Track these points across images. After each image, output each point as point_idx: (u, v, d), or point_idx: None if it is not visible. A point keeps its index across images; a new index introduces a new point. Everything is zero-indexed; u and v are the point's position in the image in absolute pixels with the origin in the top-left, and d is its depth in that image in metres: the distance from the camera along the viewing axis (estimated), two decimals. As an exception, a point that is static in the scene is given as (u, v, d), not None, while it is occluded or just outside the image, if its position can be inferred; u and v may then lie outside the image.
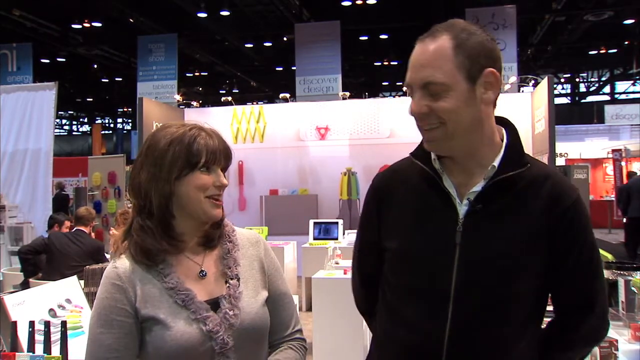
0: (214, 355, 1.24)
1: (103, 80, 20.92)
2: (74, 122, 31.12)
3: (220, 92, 21.87)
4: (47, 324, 1.82)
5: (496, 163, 1.21)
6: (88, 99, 25.23)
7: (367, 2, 12.11)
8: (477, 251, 1.19)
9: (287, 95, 10.65)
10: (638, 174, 10.78)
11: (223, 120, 9.35)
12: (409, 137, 1.32)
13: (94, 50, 15.59)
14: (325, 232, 6.54)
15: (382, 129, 8.77)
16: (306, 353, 1.43)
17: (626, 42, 16.83)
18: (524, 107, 8.46)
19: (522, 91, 9.81)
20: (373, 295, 1.41)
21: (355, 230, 1.53)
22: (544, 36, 14.57)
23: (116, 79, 20.58)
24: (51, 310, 2.18)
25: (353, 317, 2.66)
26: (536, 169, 1.24)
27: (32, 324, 1.83)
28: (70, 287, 2.35)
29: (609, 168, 15.17)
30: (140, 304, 1.25)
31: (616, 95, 23.93)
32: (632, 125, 17.93)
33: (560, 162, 13.49)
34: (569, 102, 24.46)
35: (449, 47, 1.15)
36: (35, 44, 13.29)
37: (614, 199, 13.64)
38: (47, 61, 16.91)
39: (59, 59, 17.12)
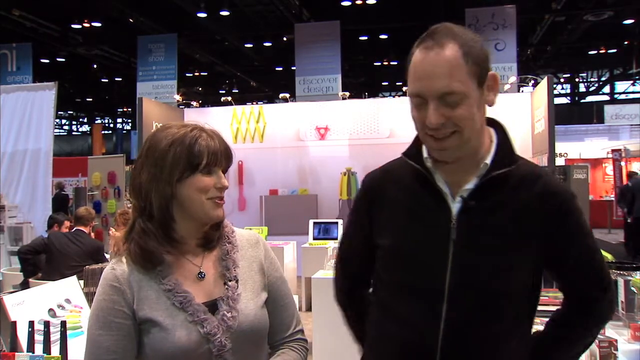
0: (211, 358, 1.23)
1: (103, 80, 20.92)
2: (74, 122, 31.13)
3: (220, 92, 21.87)
4: (46, 324, 1.82)
5: (488, 161, 1.23)
6: (88, 99, 25.23)
7: (367, 2, 12.11)
8: (472, 247, 1.21)
9: (287, 95, 10.66)
10: (639, 174, 10.79)
11: (223, 120, 9.35)
12: (409, 137, 1.32)
13: (94, 50, 15.59)
14: (325, 232, 6.54)
15: (382, 129, 8.77)
16: (307, 354, 1.43)
17: (626, 42, 16.83)
18: (524, 107, 8.46)
19: (522, 91, 9.82)
20: (355, 291, 1.46)
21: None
22: (543, 36, 14.57)
23: (116, 79, 20.57)
24: (51, 310, 2.18)
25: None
26: (527, 167, 1.27)
27: (31, 324, 1.83)
28: (70, 287, 2.35)
29: (609, 168, 15.17)
30: (138, 305, 1.24)
31: (616, 95, 23.93)
32: (631, 125, 17.93)
33: (559, 162, 13.49)
34: (569, 102, 24.46)
35: (459, 56, 1.15)
36: (35, 44, 13.28)
37: (613, 199, 13.65)
38: (47, 61, 16.90)
39: (58, 59, 17.12)
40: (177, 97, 11.70)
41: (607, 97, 23.79)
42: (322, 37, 11.44)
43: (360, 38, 14.94)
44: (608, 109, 17.94)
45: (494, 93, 1.24)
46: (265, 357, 1.38)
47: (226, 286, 1.30)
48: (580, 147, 17.72)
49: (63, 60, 17.21)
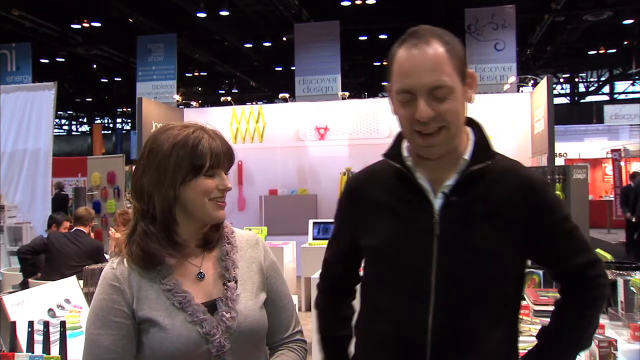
0: (210, 358, 1.23)
1: (102, 80, 20.91)
2: (73, 122, 31.12)
3: (220, 92, 21.88)
4: (46, 324, 1.82)
5: (467, 156, 1.27)
6: (87, 99, 25.22)
7: (367, 2, 12.11)
8: (455, 241, 1.24)
9: (287, 95, 10.66)
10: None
11: (222, 120, 9.35)
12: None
13: (93, 50, 15.58)
14: (325, 232, 6.54)
15: (382, 128, 8.76)
16: (306, 354, 1.43)
17: (625, 42, 16.84)
18: (524, 107, 8.46)
19: (522, 91, 9.82)
20: (334, 295, 1.49)
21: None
22: (543, 36, 14.58)
23: (115, 79, 20.56)
24: (50, 310, 2.18)
25: (352, 317, 2.65)
26: (504, 162, 1.31)
27: (31, 324, 1.83)
28: (70, 287, 2.35)
29: (608, 168, 15.17)
30: (138, 305, 1.24)
31: (615, 95, 23.93)
32: (631, 125, 17.93)
33: (559, 162, 13.48)
34: (568, 102, 24.47)
35: (444, 51, 1.19)
36: (34, 44, 13.27)
37: (613, 199, 13.65)
38: (47, 61, 16.89)
39: (58, 59, 17.10)
40: (177, 97, 11.70)
41: (606, 97, 23.80)
42: (321, 37, 11.43)
43: (360, 38, 14.94)
44: (607, 109, 17.94)
45: (472, 91, 1.27)
46: (263, 357, 1.38)
47: (225, 287, 1.31)
48: (580, 147, 17.73)
49: (62, 60, 17.20)
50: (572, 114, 21.82)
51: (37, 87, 7.89)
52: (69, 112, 28.42)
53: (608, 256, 2.75)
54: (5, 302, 1.99)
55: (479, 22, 10.96)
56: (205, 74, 19.97)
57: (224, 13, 12.54)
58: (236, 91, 21.24)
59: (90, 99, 25.19)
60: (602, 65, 21.64)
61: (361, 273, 1.46)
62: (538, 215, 1.26)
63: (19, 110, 7.52)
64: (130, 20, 13.00)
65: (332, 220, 1.50)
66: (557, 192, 4.81)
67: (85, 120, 30.03)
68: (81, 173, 10.30)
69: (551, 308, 1.36)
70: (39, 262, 5.07)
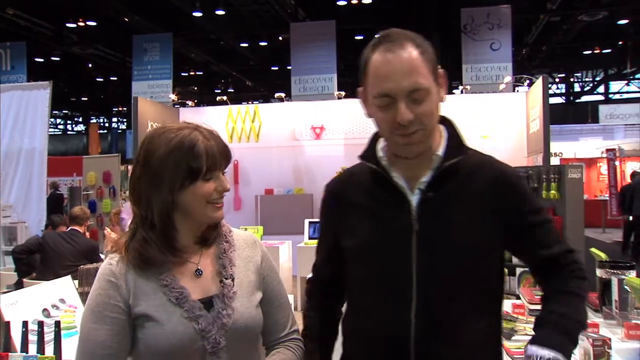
0: (205, 355, 1.24)
1: (98, 79, 20.87)
2: (69, 122, 31.03)
3: (216, 91, 21.86)
4: (40, 324, 1.82)
5: (441, 152, 1.30)
6: (83, 98, 25.15)
7: (363, 1, 12.12)
8: (434, 235, 1.26)
9: (283, 94, 10.63)
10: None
11: (218, 119, 9.32)
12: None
13: (89, 49, 15.55)
14: (321, 231, 6.53)
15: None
16: (302, 352, 1.43)
17: (620, 42, 16.92)
18: (519, 106, 8.48)
19: (517, 91, 9.85)
20: (322, 298, 1.50)
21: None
22: (538, 36, 14.62)
23: (111, 78, 20.52)
24: (45, 310, 2.17)
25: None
26: (477, 156, 1.35)
27: (25, 324, 1.83)
28: (64, 286, 2.34)
29: (603, 167, 15.22)
30: (134, 301, 1.24)
31: (610, 95, 24.04)
32: (626, 125, 18.02)
33: (554, 161, 13.54)
34: (564, 101, 24.55)
35: (418, 54, 1.22)
36: (29, 42, 13.21)
37: (608, 198, 13.70)
38: (42, 60, 16.84)
39: (53, 58, 17.05)
40: (173, 97, 11.66)
41: (601, 97, 23.90)
42: (317, 37, 11.42)
43: (356, 37, 14.94)
44: (602, 109, 18.03)
45: (443, 90, 1.30)
46: (259, 356, 1.38)
47: (222, 284, 1.31)
48: (575, 146, 17.78)
49: (58, 59, 17.15)
50: (568, 114, 21.90)
51: (32, 86, 7.86)
52: (64, 111, 28.35)
53: (603, 255, 2.76)
54: (0, 302, 1.98)
55: (475, 22, 10.97)
56: (201, 73, 19.95)
57: (220, 12, 12.52)
58: (232, 90, 21.23)
59: (86, 99, 25.13)
60: (597, 65, 21.72)
61: None
62: (512, 207, 1.29)
63: (13, 110, 7.48)
64: (126, 19, 12.98)
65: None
66: (552, 192, 4.82)
67: (80, 119, 29.95)
68: (76, 172, 10.24)
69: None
70: (34, 262, 5.05)
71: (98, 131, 25.71)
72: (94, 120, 28.97)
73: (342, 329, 1.45)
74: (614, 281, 2.38)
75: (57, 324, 1.83)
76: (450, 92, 11.58)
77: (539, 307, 2.44)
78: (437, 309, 1.25)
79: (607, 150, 14.09)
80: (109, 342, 1.23)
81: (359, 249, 1.34)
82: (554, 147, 14.09)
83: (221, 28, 14.05)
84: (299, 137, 9.31)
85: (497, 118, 8.28)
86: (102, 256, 4.84)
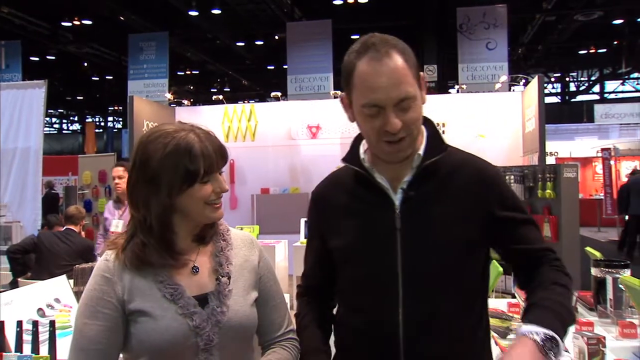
0: (197, 352, 1.24)
1: (93, 78, 20.80)
2: (64, 121, 30.91)
3: (212, 90, 21.80)
4: (34, 324, 1.81)
5: (421, 152, 1.32)
6: (78, 97, 25.06)
7: (359, 1, 12.13)
8: (416, 234, 1.28)
9: (279, 93, 10.63)
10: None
11: (214, 118, 9.31)
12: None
13: (84, 48, 15.50)
14: (317, 230, 6.52)
15: (374, 127, 8.72)
16: (298, 352, 1.44)
17: (615, 42, 16.98)
18: (515, 106, 8.50)
19: (513, 90, 9.85)
20: (312, 300, 1.49)
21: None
22: (534, 36, 14.66)
23: (107, 77, 20.46)
24: (40, 310, 2.17)
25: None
26: (458, 155, 1.37)
27: (19, 323, 1.82)
28: (60, 286, 2.33)
29: (598, 167, 15.28)
30: (129, 297, 1.25)
31: (605, 95, 24.10)
32: (621, 124, 18.09)
33: (550, 160, 13.57)
34: (559, 101, 24.62)
35: (403, 62, 1.23)
36: (24, 41, 13.16)
37: (603, 197, 13.76)
38: (37, 59, 16.77)
39: (48, 57, 16.99)
40: (169, 96, 11.64)
41: (596, 97, 23.96)
42: (313, 36, 11.42)
43: (352, 37, 14.94)
44: (598, 108, 18.07)
45: (424, 92, 1.32)
46: (252, 355, 1.39)
47: (218, 282, 1.31)
48: (571, 146, 17.84)
49: (53, 58, 17.08)
50: (563, 113, 21.97)
51: (27, 85, 7.82)
52: (59, 110, 28.24)
53: (597, 254, 2.77)
54: (-6, 302, 1.98)
55: (471, 22, 10.99)
56: (197, 72, 19.92)
57: (216, 11, 12.50)
58: (228, 90, 21.19)
59: (81, 97, 25.04)
60: (592, 64, 21.80)
61: None
62: (493, 204, 1.31)
63: (8, 108, 7.44)
64: (122, 18, 12.94)
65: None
66: (548, 191, 4.84)
67: (76, 118, 29.84)
68: (72, 172, 10.22)
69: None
70: (29, 262, 5.04)
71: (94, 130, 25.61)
72: (90, 120, 28.86)
73: (334, 329, 1.46)
74: (609, 280, 2.39)
75: (52, 323, 1.82)
76: (446, 92, 11.60)
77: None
78: (424, 306, 1.26)
79: (602, 149, 14.14)
80: (99, 338, 1.23)
81: (346, 250, 1.35)
82: (550, 146, 14.15)
83: (217, 27, 14.03)
84: (295, 136, 9.30)
85: (492, 117, 8.29)
86: (98, 256, 4.83)
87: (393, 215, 1.30)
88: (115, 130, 28.26)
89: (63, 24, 13.94)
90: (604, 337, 1.84)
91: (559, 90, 24.97)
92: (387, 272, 1.28)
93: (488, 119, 8.23)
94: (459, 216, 1.29)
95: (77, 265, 2.87)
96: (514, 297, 3.01)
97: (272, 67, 18.38)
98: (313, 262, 1.49)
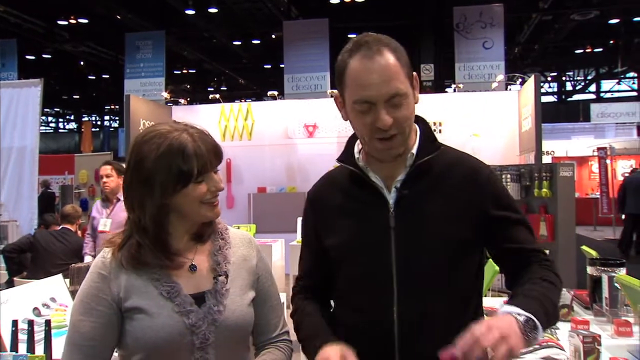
0: (193, 350, 1.24)
1: (90, 77, 20.75)
2: (60, 120, 30.82)
3: (208, 89, 21.80)
4: (30, 323, 1.80)
5: (414, 151, 1.33)
6: (74, 96, 24.99)
7: (356, 0, 12.12)
8: (409, 232, 1.29)
9: (275, 92, 10.62)
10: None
11: (211, 117, 9.30)
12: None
13: (81, 47, 15.45)
14: (314, 229, 6.52)
15: (370, 126, 8.72)
16: (292, 353, 1.45)
17: (611, 42, 17.03)
18: (511, 105, 8.51)
19: (509, 89, 9.87)
20: (308, 295, 1.48)
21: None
22: (530, 35, 14.68)
23: (103, 76, 20.41)
24: (35, 309, 2.16)
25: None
26: (452, 153, 1.38)
27: (15, 323, 1.81)
28: (55, 285, 2.33)
29: (595, 166, 15.32)
30: (126, 294, 1.24)
31: (602, 94, 24.18)
32: (617, 123, 18.14)
33: (546, 159, 13.61)
34: (556, 100, 24.67)
35: (395, 60, 1.24)
36: (20, 40, 13.12)
37: (599, 196, 13.80)
38: (33, 58, 16.72)
39: (44, 56, 16.93)
40: (165, 95, 11.63)
41: (593, 96, 24.04)
42: (310, 35, 11.42)
43: (349, 36, 14.91)
44: (594, 108, 18.12)
45: (417, 91, 1.33)
46: (248, 355, 1.39)
47: (215, 280, 1.31)
48: (567, 145, 17.88)
49: (49, 56, 17.03)
50: (559, 112, 22.01)
51: (23, 83, 7.79)
52: (55, 109, 28.15)
53: (593, 253, 2.78)
54: (-10, 301, 1.97)
55: (468, 21, 11.00)
56: (194, 71, 19.88)
57: (213, 10, 12.49)
58: (225, 89, 21.18)
59: (78, 96, 24.97)
60: (588, 64, 21.86)
61: None
62: (487, 203, 1.32)
63: (4, 107, 7.42)
64: (118, 16, 12.90)
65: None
66: (544, 190, 4.85)
67: (72, 117, 29.76)
68: (68, 171, 10.20)
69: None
70: (25, 261, 5.03)
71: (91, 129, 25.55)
72: (86, 118, 28.78)
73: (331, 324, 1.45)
74: (604, 278, 2.40)
75: (48, 322, 1.82)
76: (443, 91, 11.61)
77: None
78: (419, 304, 1.27)
79: (599, 148, 14.18)
80: (93, 334, 1.23)
81: (342, 249, 1.36)
82: (546, 145, 14.15)
83: (214, 26, 14.01)
84: (291, 135, 9.30)
85: (489, 116, 8.30)
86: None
87: (387, 214, 1.31)
88: (111, 129, 28.19)
89: (59, 22, 13.89)
90: (600, 336, 1.85)
91: (555, 89, 25.03)
92: (382, 270, 1.29)
93: (485, 118, 8.24)
94: (452, 215, 1.29)
95: (73, 265, 2.87)
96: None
97: (269, 66, 18.36)
98: (309, 262, 1.49)
